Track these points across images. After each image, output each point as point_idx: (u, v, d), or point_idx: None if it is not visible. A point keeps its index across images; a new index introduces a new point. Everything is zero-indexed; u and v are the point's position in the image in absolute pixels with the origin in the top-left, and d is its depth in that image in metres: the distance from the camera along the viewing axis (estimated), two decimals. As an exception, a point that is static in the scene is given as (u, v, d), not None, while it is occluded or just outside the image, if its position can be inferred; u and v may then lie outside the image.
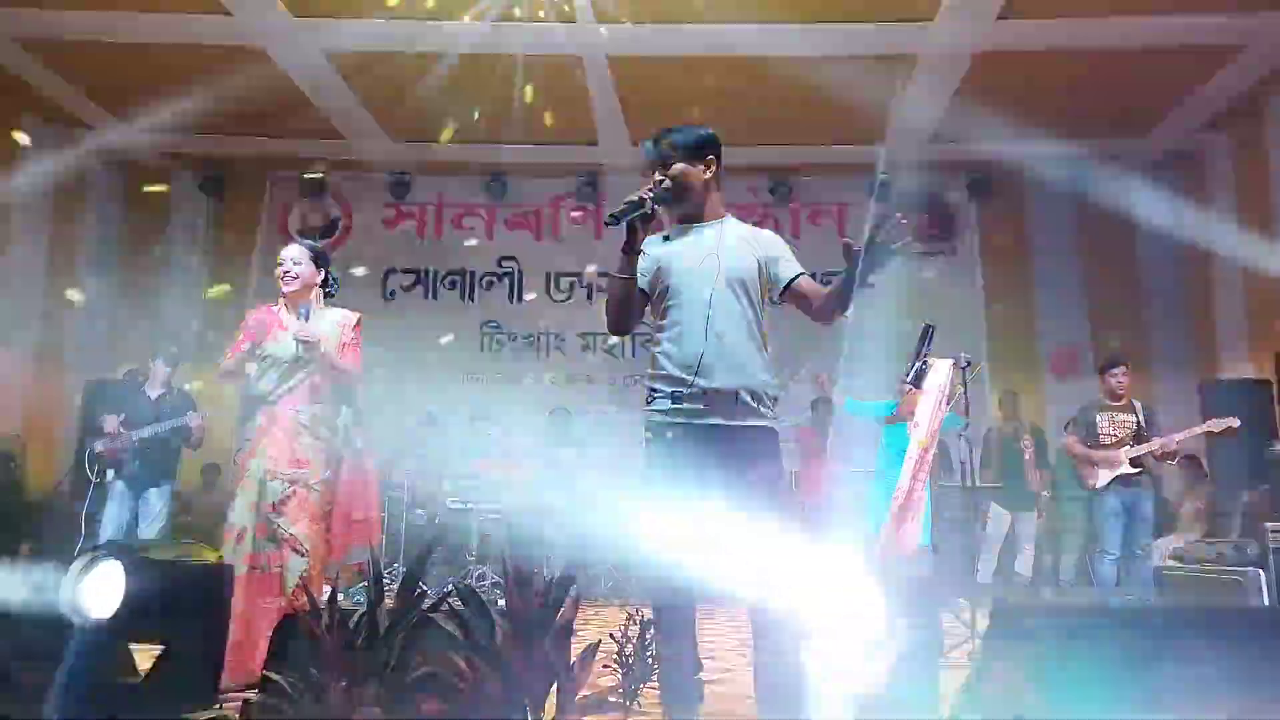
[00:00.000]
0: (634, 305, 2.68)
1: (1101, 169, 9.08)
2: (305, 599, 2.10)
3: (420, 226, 10.36)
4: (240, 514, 3.39)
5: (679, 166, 2.70)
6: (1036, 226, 9.64)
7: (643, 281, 2.69)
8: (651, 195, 2.59)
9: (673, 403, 2.61)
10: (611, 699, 2.04)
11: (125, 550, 3.17)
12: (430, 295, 10.20)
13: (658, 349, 2.72)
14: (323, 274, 3.75)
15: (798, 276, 2.71)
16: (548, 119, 8.36)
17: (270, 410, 3.53)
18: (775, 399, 2.69)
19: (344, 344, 3.65)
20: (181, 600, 2.34)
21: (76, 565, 2.09)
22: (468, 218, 10.29)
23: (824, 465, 7.51)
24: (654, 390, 2.68)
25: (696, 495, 2.56)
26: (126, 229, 9.71)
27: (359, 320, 3.76)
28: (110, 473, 5.65)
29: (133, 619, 2.11)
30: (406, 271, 10.14)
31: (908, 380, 4.14)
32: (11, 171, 7.98)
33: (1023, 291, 9.48)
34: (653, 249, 2.72)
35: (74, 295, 8.76)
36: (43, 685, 1.93)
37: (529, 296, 10.15)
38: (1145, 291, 9.27)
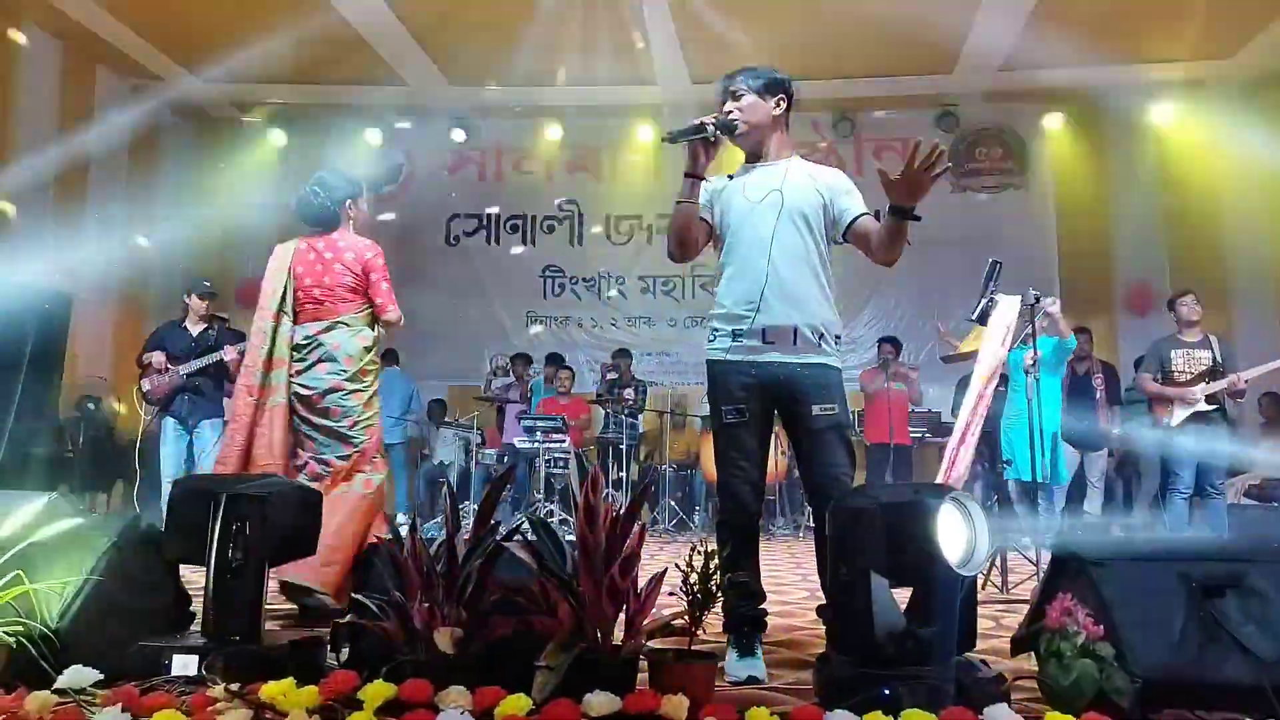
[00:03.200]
0: (695, 233, 2.69)
1: (1182, 94, 8.66)
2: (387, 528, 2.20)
3: (481, 170, 10.42)
4: None
5: (748, 99, 2.68)
6: (1112, 156, 9.26)
7: (705, 213, 2.71)
8: (714, 121, 2.60)
9: (733, 340, 2.64)
10: (676, 624, 2.12)
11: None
12: (493, 239, 10.30)
13: (718, 286, 2.74)
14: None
15: (860, 216, 2.65)
16: (606, 59, 8.27)
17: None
18: (838, 336, 2.69)
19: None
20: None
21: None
22: (527, 160, 10.31)
23: (888, 406, 7.47)
24: (715, 329, 2.71)
25: (758, 431, 2.64)
26: (199, 177, 9.98)
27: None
28: (159, 410, 5.71)
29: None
30: (469, 216, 10.24)
31: (973, 317, 4.09)
32: (90, 124, 8.23)
33: (1097, 225, 9.16)
34: (717, 185, 2.73)
35: (143, 241, 9.03)
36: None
37: (590, 238, 10.20)
38: (1226, 223, 8.86)
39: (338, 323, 3.41)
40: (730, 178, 2.75)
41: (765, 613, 2.67)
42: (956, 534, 2.14)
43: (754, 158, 2.75)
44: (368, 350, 3.45)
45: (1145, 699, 1.95)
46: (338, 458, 3.33)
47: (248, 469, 3.24)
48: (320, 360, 3.38)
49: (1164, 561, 2.19)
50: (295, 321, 3.42)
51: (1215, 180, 8.71)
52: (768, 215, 2.64)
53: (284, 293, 3.42)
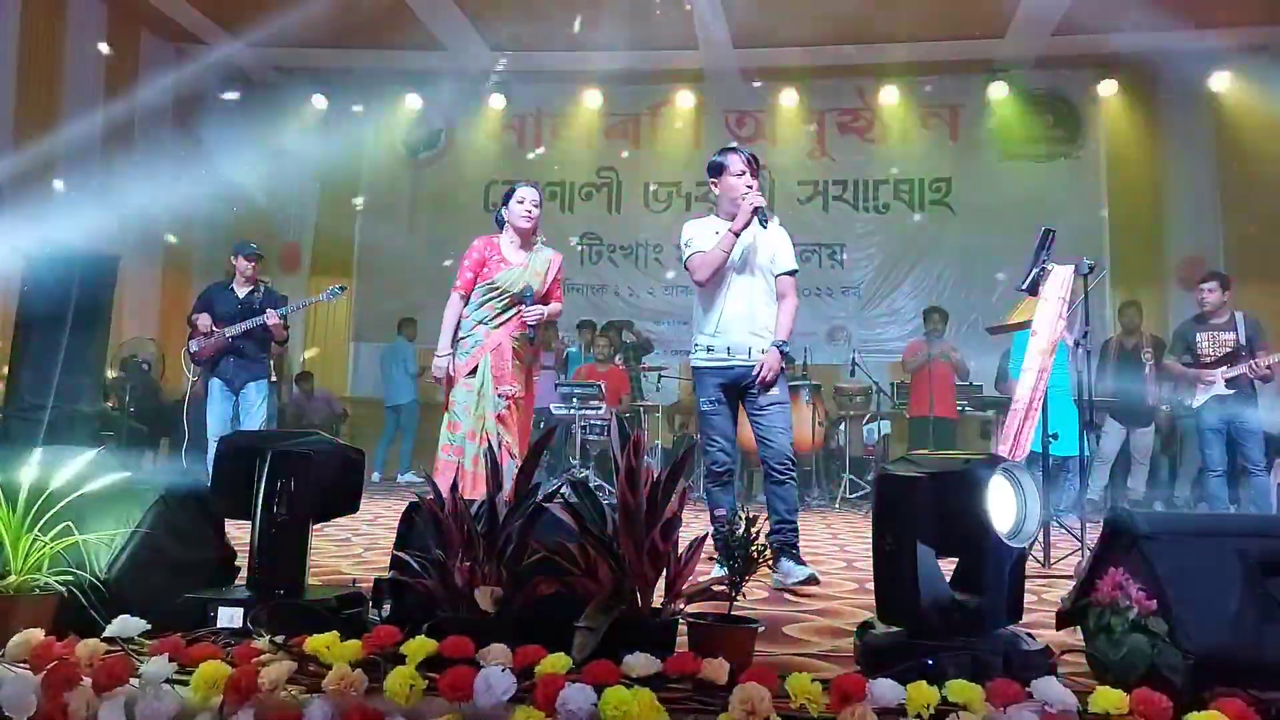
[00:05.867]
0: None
1: (1243, 61, 8.35)
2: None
3: (520, 137, 10.37)
4: (470, 419, 3.86)
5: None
6: (1168, 125, 8.98)
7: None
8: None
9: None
10: (716, 589, 2.10)
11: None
12: (530, 206, 10.27)
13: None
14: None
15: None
16: (647, 23, 8.16)
17: (492, 333, 3.94)
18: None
19: (550, 283, 4.09)
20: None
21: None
22: (566, 127, 10.24)
23: (931, 378, 7.35)
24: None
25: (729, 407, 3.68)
26: (242, 141, 10.04)
27: (561, 260, 4.18)
28: (205, 371, 5.79)
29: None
30: (507, 183, 10.14)
31: (1023, 286, 3.99)
32: (135, 88, 8.31)
33: (1150, 196, 8.91)
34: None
35: (188, 204, 9.14)
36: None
37: (628, 205, 10.15)
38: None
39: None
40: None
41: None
42: (1007, 505, 2.11)
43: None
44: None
45: (1198, 676, 1.90)
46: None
47: None
48: None
49: (1220, 537, 2.13)
50: None
51: (1275, 151, 8.41)
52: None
53: None
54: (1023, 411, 3.61)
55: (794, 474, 3.59)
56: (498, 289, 3.95)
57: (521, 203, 4.03)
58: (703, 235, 3.68)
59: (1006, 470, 2.11)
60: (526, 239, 4.07)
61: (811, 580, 3.29)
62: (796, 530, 3.54)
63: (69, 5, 7.85)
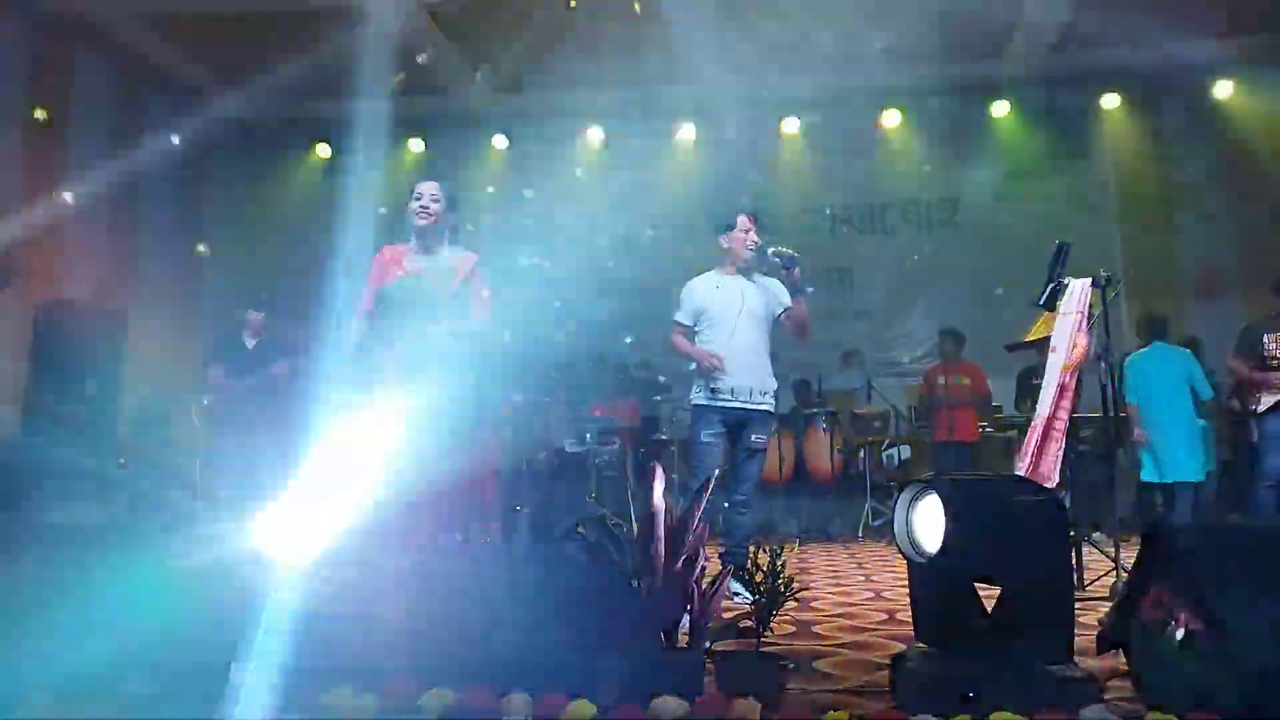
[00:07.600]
0: None
1: (1244, 69, 8.32)
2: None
3: (524, 177, 10.40)
4: None
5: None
6: (1173, 134, 8.94)
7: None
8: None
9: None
10: (743, 626, 2.03)
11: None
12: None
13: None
14: (452, 216, 3.57)
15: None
16: (645, 60, 8.21)
17: (388, 354, 3.30)
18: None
19: (461, 289, 3.39)
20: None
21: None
22: (567, 165, 10.26)
23: (948, 401, 7.24)
24: None
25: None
26: (248, 194, 10.13)
27: (475, 262, 3.48)
28: (218, 424, 5.79)
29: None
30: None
31: (1039, 302, 3.91)
32: (140, 142, 8.39)
33: (1160, 206, 8.84)
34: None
35: (195, 255, 9.23)
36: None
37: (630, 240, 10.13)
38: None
39: None
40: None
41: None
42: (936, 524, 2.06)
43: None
44: None
45: (1255, 699, 1.80)
46: None
47: None
48: None
49: (1271, 549, 2.04)
50: None
51: (1281, 156, 8.34)
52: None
53: None
54: (1041, 428, 3.50)
55: (751, 506, 4.14)
56: (384, 301, 3.38)
57: (419, 199, 3.45)
58: (695, 295, 4.17)
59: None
60: (427, 241, 3.47)
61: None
62: (747, 554, 3.47)
63: (76, 66, 7.97)
